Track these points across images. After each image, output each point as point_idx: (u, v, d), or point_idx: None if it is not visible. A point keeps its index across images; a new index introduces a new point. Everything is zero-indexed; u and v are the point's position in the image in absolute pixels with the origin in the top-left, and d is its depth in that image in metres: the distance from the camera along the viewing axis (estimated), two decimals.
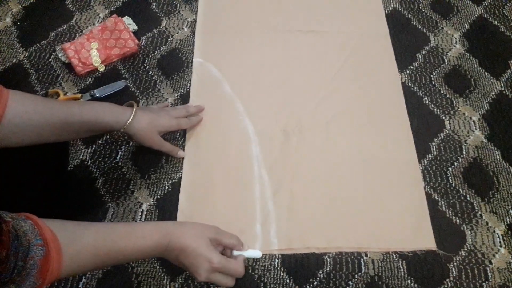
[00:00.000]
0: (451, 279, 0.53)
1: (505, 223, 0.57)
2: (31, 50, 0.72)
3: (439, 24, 0.76)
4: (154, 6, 0.78)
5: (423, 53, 0.72)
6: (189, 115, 0.61)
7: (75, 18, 0.76)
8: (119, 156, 0.62)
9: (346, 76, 0.69)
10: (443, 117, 0.66)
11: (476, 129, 0.65)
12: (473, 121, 0.65)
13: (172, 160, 0.61)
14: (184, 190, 0.59)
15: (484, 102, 0.67)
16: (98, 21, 0.76)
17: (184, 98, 0.67)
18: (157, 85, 0.68)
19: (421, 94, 0.68)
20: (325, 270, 0.53)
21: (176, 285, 0.52)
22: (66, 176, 0.59)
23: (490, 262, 0.54)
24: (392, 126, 0.64)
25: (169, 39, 0.74)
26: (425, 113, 0.66)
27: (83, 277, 0.53)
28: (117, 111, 0.50)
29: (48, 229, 0.34)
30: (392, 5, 0.78)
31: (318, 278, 0.53)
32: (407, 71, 0.70)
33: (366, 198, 0.58)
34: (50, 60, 0.71)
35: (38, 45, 0.72)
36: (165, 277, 0.53)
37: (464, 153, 0.62)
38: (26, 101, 0.42)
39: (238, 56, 0.71)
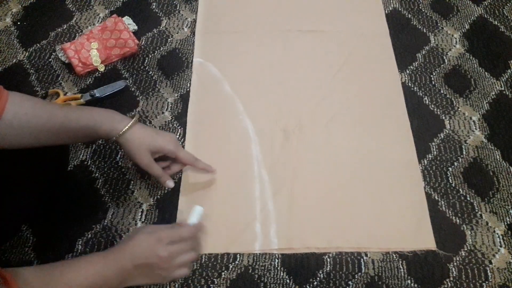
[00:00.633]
0: (451, 279, 0.53)
1: (505, 223, 0.57)
2: (31, 50, 0.72)
3: (439, 24, 0.76)
4: (154, 6, 0.78)
5: (423, 53, 0.72)
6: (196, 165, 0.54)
7: (75, 18, 0.76)
8: (119, 156, 0.62)
9: (346, 76, 0.69)
10: (443, 117, 0.66)
11: (476, 129, 0.65)
12: (473, 121, 0.65)
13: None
14: (184, 190, 0.59)
15: (484, 102, 0.67)
16: (98, 21, 0.76)
17: (184, 98, 0.67)
18: (157, 85, 0.68)
19: (421, 94, 0.68)
20: (325, 270, 0.53)
21: (176, 285, 0.52)
22: (66, 176, 0.59)
23: (490, 262, 0.54)
24: (392, 126, 0.64)
25: (169, 39, 0.74)
26: (425, 113, 0.66)
27: None
28: (115, 119, 0.48)
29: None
30: (392, 5, 0.78)
31: (318, 278, 0.53)
32: (407, 71, 0.70)
33: (366, 198, 0.58)
34: (50, 60, 0.71)
35: (38, 45, 0.72)
36: None
37: (464, 153, 0.62)
38: (25, 103, 0.41)
39: (238, 56, 0.71)
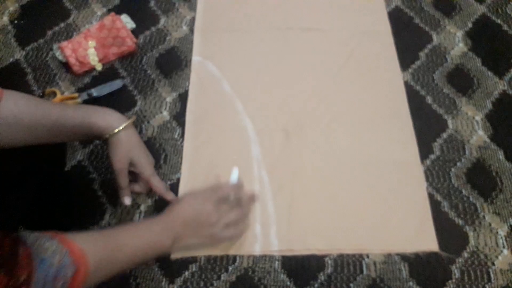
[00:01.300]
0: (454, 281, 0.52)
1: (508, 224, 0.56)
2: (28, 49, 0.71)
3: (441, 23, 0.75)
4: (152, 4, 0.77)
5: (426, 51, 0.71)
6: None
7: (72, 17, 0.75)
8: None
9: (347, 75, 0.68)
10: (446, 117, 0.65)
11: (479, 129, 0.64)
12: (476, 121, 0.65)
13: (171, 161, 0.61)
14: (182, 191, 0.58)
15: (487, 102, 0.66)
16: (96, 19, 0.75)
17: (183, 98, 0.66)
18: (155, 84, 0.68)
19: (423, 93, 0.67)
20: (326, 272, 0.53)
21: (175, 287, 0.52)
22: (63, 177, 0.59)
23: (493, 264, 0.53)
24: (394, 125, 0.63)
25: (167, 38, 0.73)
26: (427, 113, 0.65)
27: None
28: (112, 116, 0.47)
29: (76, 246, 0.35)
30: (394, 3, 0.77)
31: (319, 280, 0.52)
32: (410, 70, 0.69)
33: (368, 198, 0.57)
34: (47, 59, 0.70)
35: (35, 44, 0.71)
36: (164, 279, 0.52)
37: (467, 153, 0.62)
38: (19, 101, 0.41)
39: (238, 54, 0.70)
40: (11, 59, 0.70)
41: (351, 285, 0.52)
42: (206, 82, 0.68)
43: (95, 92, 0.64)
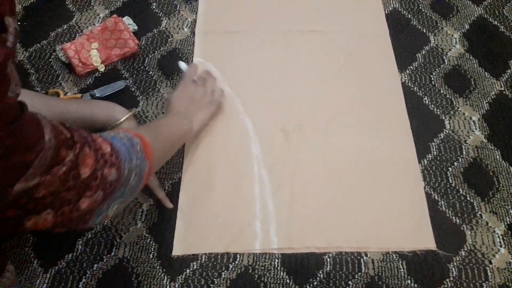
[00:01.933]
0: (451, 279, 0.53)
1: (505, 223, 0.57)
2: (31, 50, 0.72)
3: (439, 24, 0.76)
4: (154, 6, 0.78)
5: (423, 53, 0.72)
6: None
7: (75, 18, 0.76)
8: None
9: (346, 76, 0.69)
10: (443, 117, 0.66)
11: (476, 129, 0.65)
12: (473, 121, 0.65)
13: (172, 160, 0.61)
14: (184, 190, 0.59)
15: (484, 102, 0.67)
16: (98, 21, 0.76)
17: None
18: (157, 85, 0.68)
19: (421, 94, 0.68)
20: (325, 270, 0.53)
21: (176, 285, 0.52)
22: None
23: (490, 262, 0.54)
24: (392, 126, 0.64)
25: (169, 39, 0.74)
26: (425, 113, 0.66)
27: (83, 277, 0.53)
28: (113, 109, 0.50)
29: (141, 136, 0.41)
30: (392, 5, 0.78)
31: (318, 278, 0.53)
32: (407, 71, 0.70)
33: (366, 197, 0.58)
34: (50, 60, 0.71)
35: (38, 45, 0.72)
36: (165, 277, 0.53)
37: (464, 153, 0.62)
38: (23, 96, 0.42)
39: (238, 56, 0.71)
40: None
41: (350, 283, 0.53)
42: None
43: (97, 92, 0.65)
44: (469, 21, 0.76)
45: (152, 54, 0.72)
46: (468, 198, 0.59)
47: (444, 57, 0.72)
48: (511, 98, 0.68)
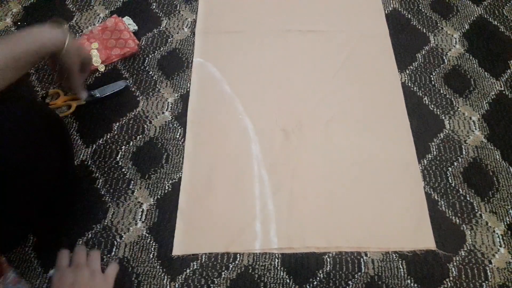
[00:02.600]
0: (451, 279, 0.53)
1: (505, 223, 0.57)
2: None
3: (439, 24, 0.76)
4: (154, 6, 0.78)
5: (423, 53, 0.72)
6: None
7: (75, 18, 0.76)
8: (119, 156, 0.62)
9: (345, 76, 0.69)
10: (443, 117, 0.66)
11: (476, 129, 0.65)
12: (473, 121, 0.66)
13: (172, 160, 0.61)
14: (184, 189, 0.59)
15: (484, 102, 0.67)
16: (98, 21, 0.76)
17: (184, 98, 0.67)
18: (157, 85, 0.69)
19: (421, 94, 0.68)
20: (325, 270, 0.53)
21: (176, 285, 0.52)
22: (70, 178, 0.58)
23: (490, 262, 0.54)
24: (392, 126, 0.64)
25: (169, 39, 0.74)
26: (424, 113, 0.66)
27: None
28: (55, 31, 0.49)
29: None
30: (392, 5, 0.78)
31: (318, 278, 0.53)
32: (407, 71, 0.70)
33: (366, 197, 0.58)
34: None
35: None
36: (165, 277, 0.53)
37: (464, 153, 0.62)
38: None
39: (238, 56, 0.71)
40: None
41: (350, 282, 0.53)
42: (207, 83, 0.68)
43: (98, 92, 0.65)
44: (469, 21, 0.76)
45: (152, 54, 0.72)
46: (468, 198, 0.59)
47: (444, 57, 0.72)
48: (511, 98, 0.68)
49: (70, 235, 0.55)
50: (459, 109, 0.67)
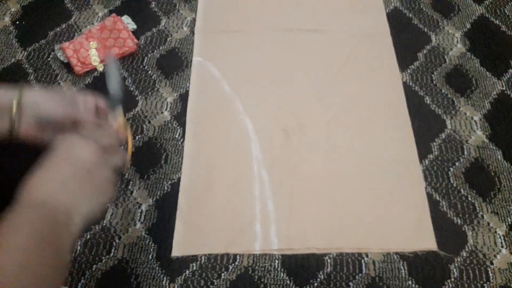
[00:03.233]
0: (452, 280, 0.53)
1: (507, 223, 0.57)
2: (29, 49, 0.71)
3: (440, 24, 0.75)
4: (153, 5, 0.77)
5: (424, 52, 0.72)
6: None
7: (74, 18, 0.75)
8: None
9: (346, 76, 0.68)
10: (444, 117, 0.65)
11: (477, 129, 0.64)
12: (475, 121, 0.65)
13: (172, 161, 0.61)
14: (183, 190, 0.58)
15: (486, 102, 0.67)
16: (97, 20, 0.75)
17: (184, 98, 0.67)
18: (156, 85, 0.68)
19: (422, 93, 0.68)
20: (325, 271, 0.53)
21: (176, 286, 0.52)
22: None
23: (492, 263, 0.54)
24: (393, 125, 0.64)
25: (168, 38, 0.73)
26: (426, 113, 0.66)
27: (82, 277, 0.52)
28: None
29: None
30: (393, 4, 0.78)
31: (318, 279, 0.53)
32: (408, 71, 0.70)
33: (367, 198, 0.58)
34: (49, 59, 0.70)
35: (37, 44, 0.72)
36: (165, 278, 0.53)
37: (466, 153, 0.62)
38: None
39: (238, 55, 0.71)
40: (13, 60, 0.70)
41: (350, 283, 0.52)
42: (206, 82, 0.68)
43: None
44: (470, 20, 0.76)
45: (151, 54, 0.71)
46: (470, 199, 0.58)
47: (446, 57, 0.72)
48: None
49: None
50: (460, 109, 0.66)
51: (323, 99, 0.66)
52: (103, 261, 0.53)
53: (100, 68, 0.69)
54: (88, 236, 0.55)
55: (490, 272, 0.53)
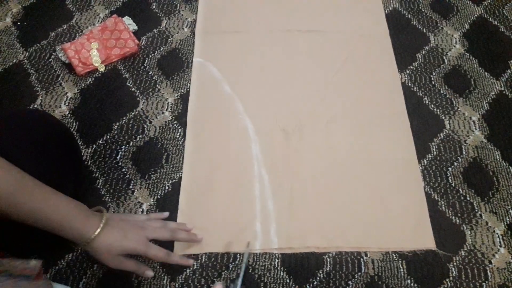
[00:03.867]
0: (451, 279, 0.53)
1: (505, 223, 0.57)
2: (31, 50, 0.72)
3: (439, 24, 0.76)
4: (154, 6, 0.78)
5: (423, 53, 0.72)
6: (173, 235, 0.50)
7: (75, 18, 0.76)
8: (119, 156, 0.62)
9: (346, 76, 0.69)
10: (443, 117, 0.66)
11: (476, 129, 0.65)
12: (473, 121, 0.66)
13: (173, 160, 0.61)
14: (184, 190, 0.59)
15: (484, 102, 0.67)
16: (98, 21, 0.76)
17: (184, 98, 0.67)
18: (157, 85, 0.69)
19: (421, 94, 0.68)
20: (325, 270, 0.53)
21: (176, 285, 0.52)
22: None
23: (490, 262, 0.54)
24: (392, 126, 0.64)
25: (169, 39, 0.74)
26: (425, 113, 0.66)
27: (83, 276, 0.53)
28: (83, 222, 0.43)
29: None
30: (392, 5, 0.78)
31: (318, 278, 0.53)
32: (407, 71, 0.70)
33: (366, 197, 0.58)
34: (50, 60, 0.71)
35: (38, 45, 0.72)
36: (165, 277, 0.53)
37: (464, 153, 0.62)
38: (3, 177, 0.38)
39: (238, 56, 0.71)
40: (14, 60, 0.71)
41: (350, 282, 0.53)
42: (207, 83, 0.68)
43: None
44: (469, 21, 0.76)
45: (152, 54, 0.72)
46: (468, 198, 0.59)
47: (444, 57, 0.72)
48: (511, 98, 0.68)
49: None
50: (459, 109, 0.67)
51: (322, 100, 0.67)
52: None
53: (101, 69, 0.70)
54: None
55: (488, 271, 0.54)
